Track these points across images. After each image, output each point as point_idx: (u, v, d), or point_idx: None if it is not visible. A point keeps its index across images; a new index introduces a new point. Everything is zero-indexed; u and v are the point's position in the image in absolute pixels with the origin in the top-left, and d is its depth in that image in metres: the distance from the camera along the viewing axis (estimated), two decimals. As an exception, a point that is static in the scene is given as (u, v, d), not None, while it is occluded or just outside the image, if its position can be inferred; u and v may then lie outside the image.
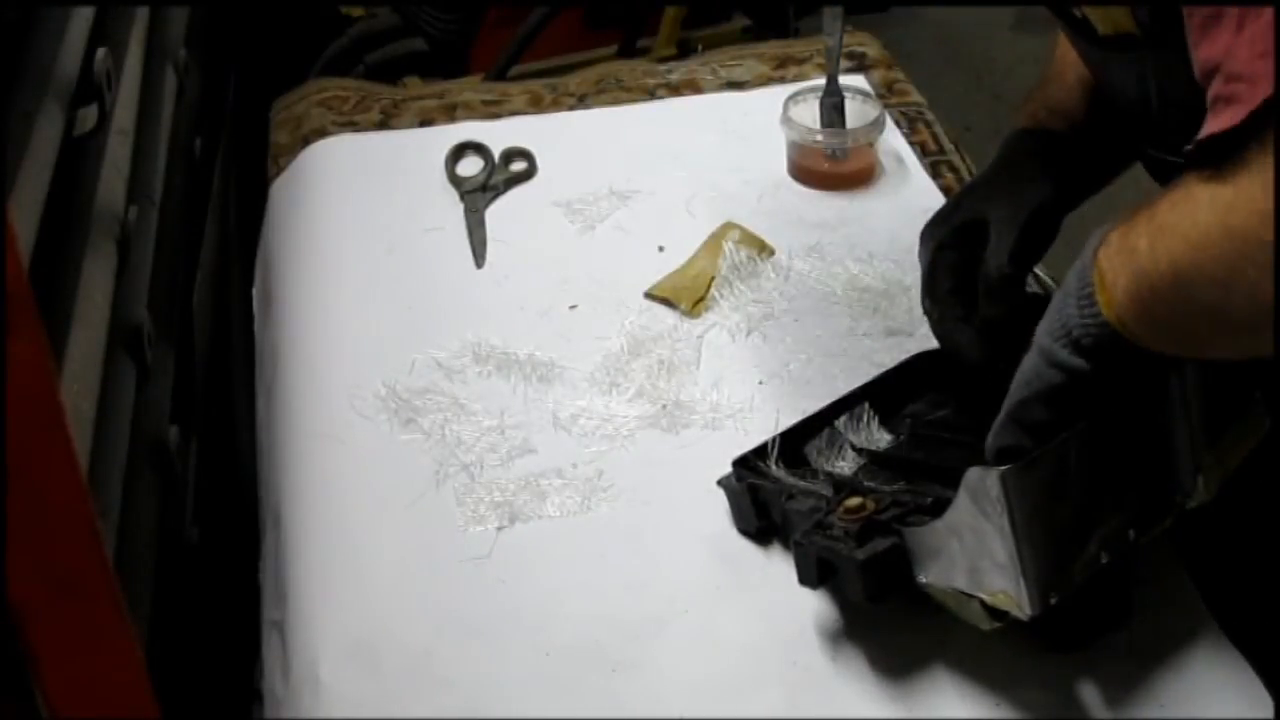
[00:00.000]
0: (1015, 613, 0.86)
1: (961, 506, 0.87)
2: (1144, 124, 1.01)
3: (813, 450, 1.06)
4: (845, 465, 1.05)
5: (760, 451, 1.04)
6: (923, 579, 0.91)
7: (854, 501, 0.94)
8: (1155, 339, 0.82)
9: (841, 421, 1.07)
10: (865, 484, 1.00)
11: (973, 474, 0.86)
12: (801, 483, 1.01)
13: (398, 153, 1.52)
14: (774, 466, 1.03)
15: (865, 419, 1.07)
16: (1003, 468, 0.84)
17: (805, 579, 0.96)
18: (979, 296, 1.04)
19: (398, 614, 1.01)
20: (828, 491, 0.99)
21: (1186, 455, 0.92)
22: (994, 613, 0.88)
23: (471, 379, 1.20)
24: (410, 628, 1.00)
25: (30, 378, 0.61)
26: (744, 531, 1.05)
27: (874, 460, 1.04)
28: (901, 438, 1.07)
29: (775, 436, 1.04)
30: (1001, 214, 1.05)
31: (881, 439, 1.07)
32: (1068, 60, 1.12)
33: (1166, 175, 1.06)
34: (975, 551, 0.87)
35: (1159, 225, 0.79)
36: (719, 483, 1.05)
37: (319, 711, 0.95)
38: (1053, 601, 0.86)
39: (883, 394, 1.09)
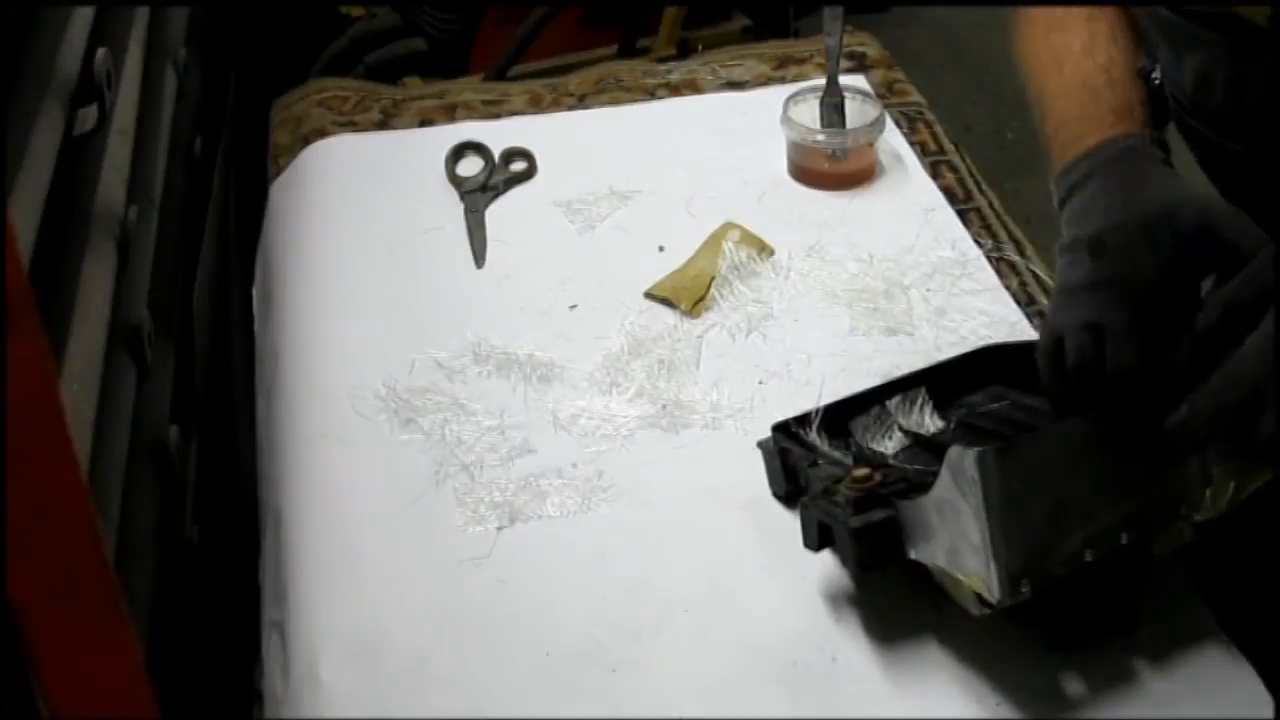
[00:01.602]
0: (987, 596, 0.87)
1: (943, 484, 0.88)
2: (1221, 114, 0.98)
3: (859, 426, 1.07)
4: (890, 445, 1.05)
5: (804, 420, 1.05)
6: (912, 554, 0.93)
7: (861, 472, 0.95)
8: None
9: (894, 402, 1.07)
10: (892, 462, 1.01)
11: (953, 452, 0.87)
12: (831, 452, 1.02)
13: (398, 153, 1.52)
14: (814, 435, 1.04)
15: (919, 403, 1.07)
16: (980, 448, 0.85)
17: (807, 542, 0.98)
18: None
19: (398, 614, 1.01)
20: (851, 462, 1.00)
21: (1195, 467, 0.92)
22: (983, 599, 0.88)
23: (471, 379, 1.20)
24: (410, 628, 1.00)
25: (30, 378, 0.61)
26: (775, 495, 1.07)
27: (917, 442, 1.05)
28: (951, 425, 1.07)
29: (819, 406, 1.05)
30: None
31: (932, 424, 1.07)
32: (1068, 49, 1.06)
33: (1216, 158, 1.04)
34: (955, 530, 0.88)
35: None
36: (759, 444, 1.07)
37: (319, 711, 0.95)
38: (1024, 590, 0.86)
39: (941, 381, 1.09)
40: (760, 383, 1.19)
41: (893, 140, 1.49)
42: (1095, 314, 0.91)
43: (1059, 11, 1.07)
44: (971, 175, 1.47)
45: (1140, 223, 0.91)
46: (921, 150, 1.50)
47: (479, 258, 1.35)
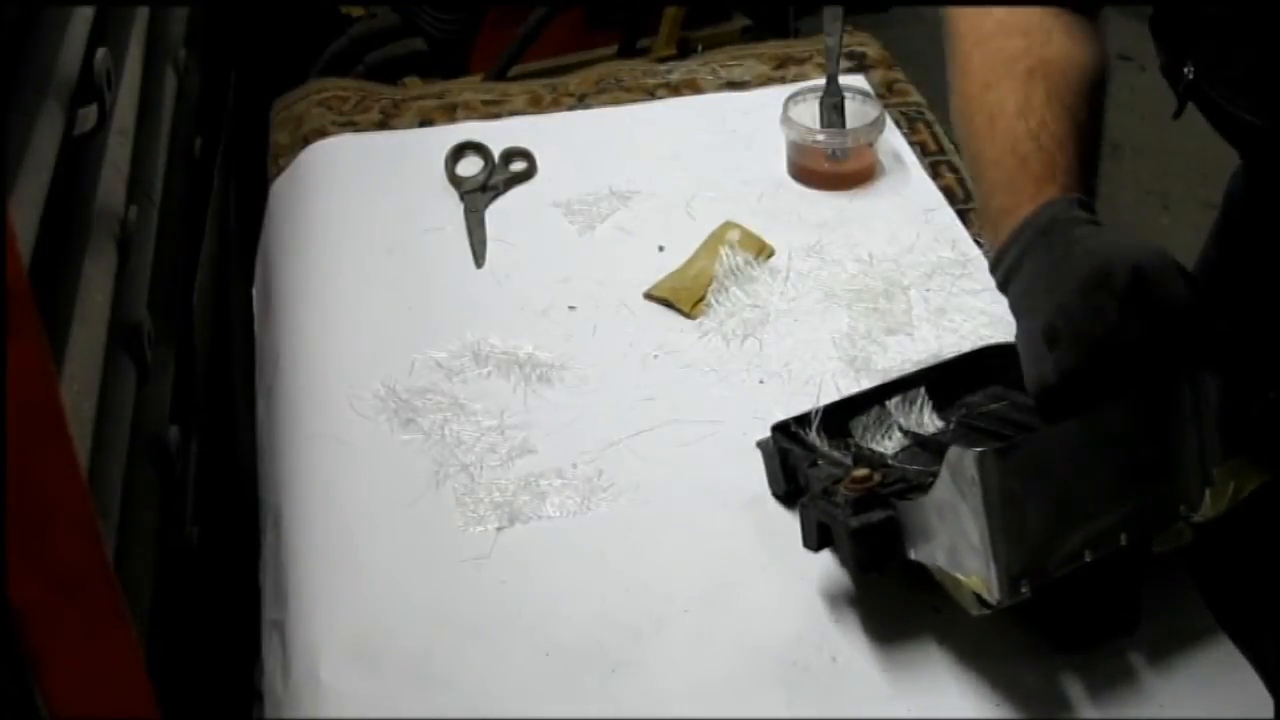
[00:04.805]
0: (986, 596, 0.87)
1: (942, 484, 0.88)
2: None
3: (859, 426, 1.07)
4: (890, 445, 1.05)
5: (803, 420, 1.05)
6: (912, 554, 0.93)
7: (861, 472, 0.95)
8: None
9: (894, 402, 1.07)
10: (890, 462, 1.01)
11: (952, 453, 0.87)
12: (831, 452, 1.02)
13: (398, 153, 1.52)
14: (814, 435, 1.04)
15: (919, 403, 1.07)
16: (979, 449, 0.85)
17: (807, 542, 0.98)
18: None
19: (398, 614, 1.01)
20: (850, 463, 1.00)
21: (1194, 467, 0.92)
22: (983, 599, 0.88)
23: (471, 379, 1.20)
24: (410, 628, 1.00)
25: (30, 378, 0.61)
26: (775, 495, 1.07)
27: (917, 443, 1.05)
28: (951, 425, 1.07)
29: (819, 406, 1.05)
30: None
31: (931, 424, 1.07)
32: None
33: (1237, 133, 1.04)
34: (954, 531, 0.88)
35: None
36: (758, 444, 1.07)
37: (319, 711, 0.95)
38: (1024, 590, 0.86)
39: (941, 381, 1.09)
40: (760, 383, 1.19)
41: (893, 140, 1.49)
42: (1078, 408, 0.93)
43: (997, 66, 1.05)
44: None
45: (1080, 296, 0.91)
46: (921, 150, 1.50)
47: (479, 258, 1.35)
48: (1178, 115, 1.06)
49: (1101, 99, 1.05)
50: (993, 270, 1.01)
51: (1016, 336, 0.97)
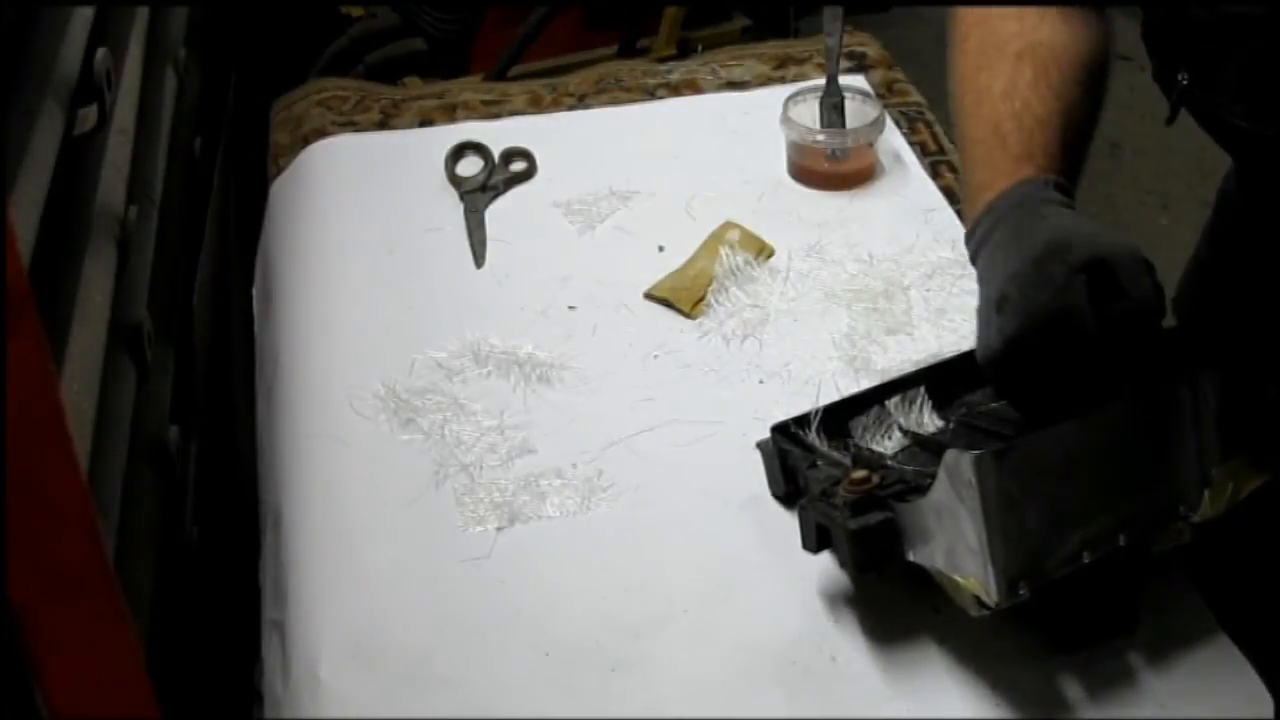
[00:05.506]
0: (985, 598, 0.87)
1: (940, 487, 0.88)
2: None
3: (858, 426, 1.06)
4: (890, 445, 1.05)
5: (803, 420, 1.05)
6: (910, 556, 0.93)
7: (859, 474, 0.95)
8: None
9: (893, 402, 1.07)
10: (890, 463, 1.01)
11: (950, 455, 0.87)
12: (830, 453, 1.02)
13: (398, 153, 1.52)
14: (813, 436, 1.04)
15: (919, 402, 1.07)
16: (976, 451, 0.85)
17: (806, 543, 0.98)
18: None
19: (398, 614, 1.01)
20: (849, 463, 1.00)
21: (1194, 469, 0.92)
22: (982, 601, 0.88)
23: (471, 379, 1.20)
24: (410, 628, 1.00)
25: (30, 378, 0.61)
26: (775, 496, 1.07)
27: (917, 442, 1.05)
28: (950, 424, 1.07)
29: (818, 407, 1.05)
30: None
31: (931, 424, 1.07)
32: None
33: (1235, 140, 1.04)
34: (952, 533, 0.88)
35: None
36: (758, 445, 1.07)
37: (319, 711, 0.95)
38: (1022, 592, 0.86)
39: (941, 381, 1.09)
40: (760, 383, 1.19)
41: (893, 140, 1.49)
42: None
43: (990, 49, 1.06)
44: (971, 175, 1.47)
45: (1033, 264, 0.91)
46: (921, 150, 1.50)
47: (479, 258, 1.35)
48: (1170, 121, 1.07)
49: (1097, 84, 1.06)
50: (966, 243, 1.02)
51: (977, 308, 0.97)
